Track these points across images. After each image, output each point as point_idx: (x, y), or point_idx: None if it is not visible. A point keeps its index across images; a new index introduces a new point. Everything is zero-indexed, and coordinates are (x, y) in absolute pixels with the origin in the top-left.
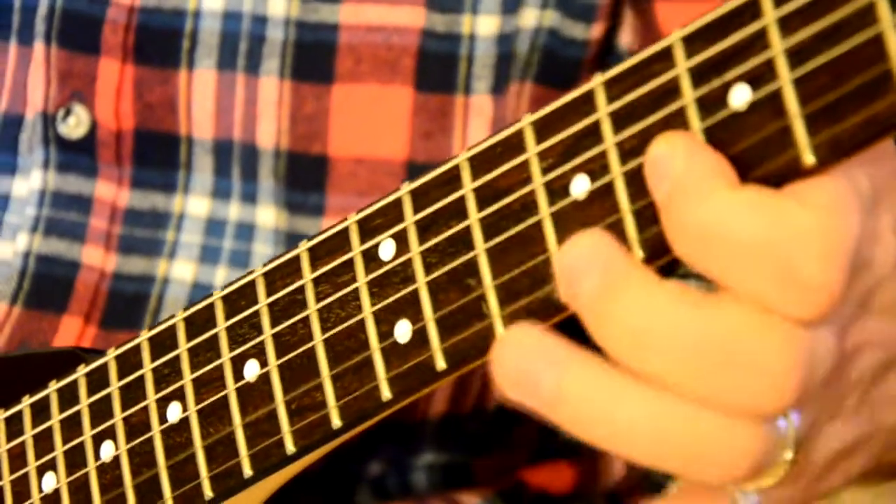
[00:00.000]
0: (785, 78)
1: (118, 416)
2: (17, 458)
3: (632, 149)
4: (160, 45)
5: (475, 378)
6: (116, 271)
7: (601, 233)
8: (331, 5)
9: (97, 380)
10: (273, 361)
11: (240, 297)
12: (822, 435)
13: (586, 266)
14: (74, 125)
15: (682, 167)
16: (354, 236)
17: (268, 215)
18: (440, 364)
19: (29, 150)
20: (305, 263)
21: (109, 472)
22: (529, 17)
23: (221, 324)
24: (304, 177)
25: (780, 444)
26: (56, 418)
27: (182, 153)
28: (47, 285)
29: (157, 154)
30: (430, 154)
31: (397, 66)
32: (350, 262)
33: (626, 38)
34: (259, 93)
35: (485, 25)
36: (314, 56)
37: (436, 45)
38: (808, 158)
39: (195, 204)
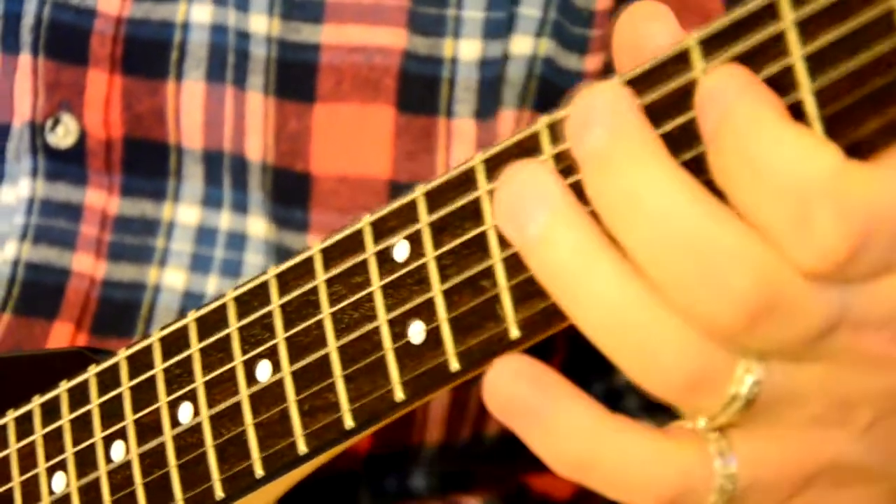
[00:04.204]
0: (803, 82)
1: (129, 417)
2: (27, 457)
3: None
4: (148, 56)
5: (471, 406)
6: (106, 278)
7: (621, 88)
8: (312, 25)
9: (108, 380)
10: (285, 363)
11: (252, 298)
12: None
13: (596, 117)
14: (63, 135)
15: (733, 97)
16: (368, 237)
17: (258, 226)
18: (454, 365)
19: (16, 159)
20: (319, 264)
21: (120, 473)
22: (523, 45)
23: (234, 324)
24: (289, 192)
25: (721, 380)
26: (66, 418)
27: (172, 162)
28: (37, 293)
29: (146, 162)
30: (413, 174)
31: (379, 86)
32: (364, 264)
33: None
34: (247, 107)
35: (467, 50)
36: (296, 75)
37: (417, 67)
38: None
39: (185, 212)
